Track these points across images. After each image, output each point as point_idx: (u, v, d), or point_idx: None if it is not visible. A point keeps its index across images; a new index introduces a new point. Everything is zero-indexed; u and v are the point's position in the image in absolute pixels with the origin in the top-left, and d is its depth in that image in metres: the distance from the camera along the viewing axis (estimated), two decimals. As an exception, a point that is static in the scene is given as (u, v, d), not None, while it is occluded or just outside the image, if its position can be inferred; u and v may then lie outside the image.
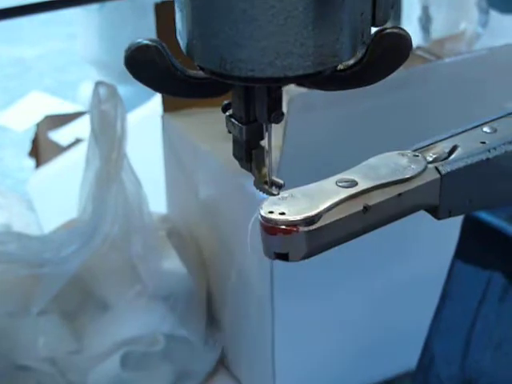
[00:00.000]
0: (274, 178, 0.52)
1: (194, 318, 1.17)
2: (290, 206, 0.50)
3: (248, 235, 0.48)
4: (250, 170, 0.52)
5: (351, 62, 0.47)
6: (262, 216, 0.50)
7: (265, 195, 0.52)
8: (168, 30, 0.59)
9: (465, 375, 0.89)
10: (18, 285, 1.07)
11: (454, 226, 0.89)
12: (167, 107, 1.27)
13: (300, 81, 0.45)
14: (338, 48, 0.44)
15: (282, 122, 0.51)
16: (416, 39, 1.47)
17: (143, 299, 1.11)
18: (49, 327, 1.08)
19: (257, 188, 0.53)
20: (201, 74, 0.47)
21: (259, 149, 0.52)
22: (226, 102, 0.51)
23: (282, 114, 0.48)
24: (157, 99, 1.49)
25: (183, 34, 0.46)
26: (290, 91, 0.92)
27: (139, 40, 0.46)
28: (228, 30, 0.43)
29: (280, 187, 0.51)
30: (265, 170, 0.52)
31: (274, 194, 0.51)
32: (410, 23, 1.58)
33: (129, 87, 1.85)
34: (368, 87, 0.50)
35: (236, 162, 0.54)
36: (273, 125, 0.50)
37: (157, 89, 0.50)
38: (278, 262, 0.52)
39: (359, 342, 1.12)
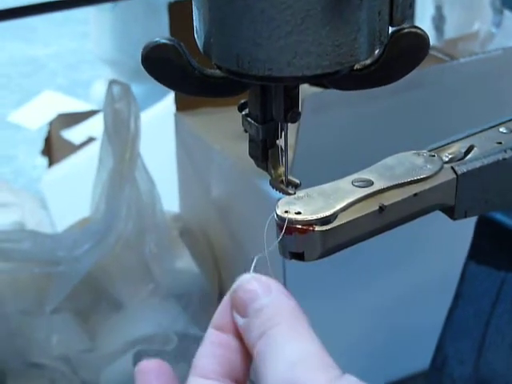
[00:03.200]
0: (290, 178, 0.52)
1: (207, 316, 1.16)
2: (305, 206, 0.50)
3: (264, 236, 0.48)
4: (266, 170, 0.52)
5: (368, 61, 0.47)
6: (277, 215, 0.50)
7: (279, 194, 0.52)
8: (182, 29, 0.59)
9: (478, 376, 0.89)
10: (31, 283, 1.07)
11: (467, 226, 0.89)
12: (180, 106, 1.27)
13: (317, 80, 0.45)
14: (355, 47, 0.44)
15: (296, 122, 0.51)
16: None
17: (156, 298, 1.11)
18: (62, 325, 1.08)
19: (273, 187, 0.53)
20: (218, 73, 0.47)
21: (275, 148, 0.52)
22: (242, 101, 0.51)
23: (299, 113, 0.48)
24: (170, 98, 1.49)
25: (200, 32, 0.46)
26: (303, 91, 0.92)
27: (156, 39, 0.46)
28: (246, 29, 0.43)
29: (296, 186, 0.51)
30: (281, 169, 0.52)
31: (290, 194, 0.51)
32: (424, 23, 1.58)
33: (142, 86, 1.86)
34: (382, 87, 0.50)
35: (249, 161, 0.54)
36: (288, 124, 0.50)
37: (173, 87, 0.50)
38: (291, 262, 0.52)
39: (372, 343, 1.12)
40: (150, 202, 1.12)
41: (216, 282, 1.21)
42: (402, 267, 1.08)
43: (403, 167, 0.53)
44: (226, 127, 1.13)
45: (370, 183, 0.52)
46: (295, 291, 1.10)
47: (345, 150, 0.92)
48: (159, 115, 1.57)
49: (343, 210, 0.50)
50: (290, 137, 0.52)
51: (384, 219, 0.51)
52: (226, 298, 0.44)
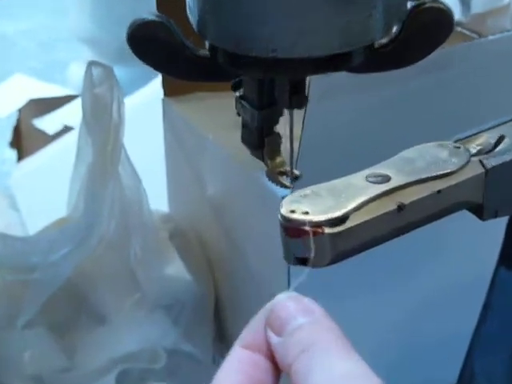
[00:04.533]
0: (288, 168, 0.52)
1: (201, 330, 1.17)
2: (313, 205, 0.50)
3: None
4: (262, 159, 0.53)
5: (384, 40, 0.48)
6: (282, 216, 0.50)
7: (284, 191, 0.53)
8: (169, 5, 0.59)
9: (510, 396, 0.89)
10: (1, 293, 1.08)
11: (498, 227, 0.89)
12: (169, 91, 1.27)
13: (327, 66, 0.45)
14: (369, 25, 0.45)
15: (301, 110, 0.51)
16: (454, 14, 1.46)
17: (143, 309, 1.12)
18: (36, 341, 1.09)
19: (269, 179, 0.53)
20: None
21: (273, 136, 0.52)
22: (237, 79, 0.51)
23: (306, 97, 0.48)
24: (157, 82, 1.49)
25: (194, 9, 0.46)
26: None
27: (144, 15, 0.46)
28: (246, 5, 0.43)
29: (296, 178, 0.52)
30: (279, 159, 0.52)
31: (287, 186, 0.52)
32: (447, -4, 1.58)
33: (126, 68, 1.86)
34: (401, 69, 0.50)
35: (249, 153, 0.54)
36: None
37: (162, 70, 0.50)
38: (297, 268, 0.53)
39: (389, 355, 1.13)
40: (136, 200, 1.12)
41: (211, 290, 1.22)
42: (424, 274, 1.09)
43: (425, 160, 0.53)
44: (222, 114, 1.12)
45: (386, 179, 0.52)
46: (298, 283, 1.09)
47: (357, 141, 0.92)
48: (145, 101, 1.57)
49: (356, 209, 0.50)
50: (295, 126, 0.53)
51: (403, 219, 0.51)
52: (257, 316, 0.46)
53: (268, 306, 0.46)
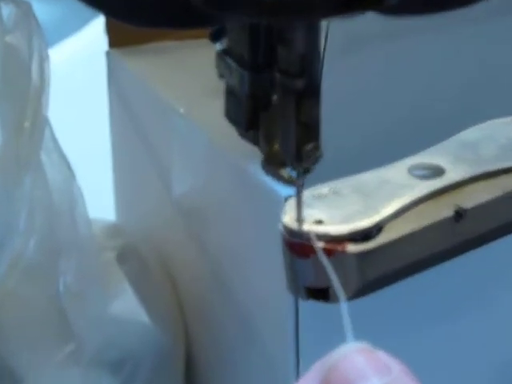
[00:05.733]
0: None
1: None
2: (331, 209, 0.52)
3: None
4: (256, 143, 0.54)
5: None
6: (284, 226, 0.52)
7: (288, 190, 0.54)
8: None
9: None
10: None
11: None
12: (115, 40, 1.27)
13: (348, 6, 0.46)
14: None
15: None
16: None
17: (77, 367, 1.12)
18: None
19: (266, 172, 0.54)
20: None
21: (272, 108, 0.53)
22: (218, 26, 0.51)
23: (319, 147, 0.49)
24: (97, 25, 1.50)
25: None
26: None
27: None
28: None
29: (306, 171, 0.53)
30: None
31: (293, 182, 0.53)
32: None
33: (52, 6, 1.86)
34: (456, 11, 0.51)
35: (236, 134, 0.55)
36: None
37: (111, 12, 0.51)
38: (308, 304, 0.54)
39: None
40: (67, 204, 1.13)
41: (180, 340, 1.23)
42: (491, 308, 1.10)
43: (493, 145, 0.55)
44: (196, 76, 1.14)
45: (438, 172, 0.53)
46: (313, 352, 1.11)
47: (394, 114, 0.93)
48: (81, 54, 1.58)
49: (394, 216, 0.52)
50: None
51: (462, 232, 0.53)
52: (310, 373, 0.47)
53: (327, 360, 0.47)
